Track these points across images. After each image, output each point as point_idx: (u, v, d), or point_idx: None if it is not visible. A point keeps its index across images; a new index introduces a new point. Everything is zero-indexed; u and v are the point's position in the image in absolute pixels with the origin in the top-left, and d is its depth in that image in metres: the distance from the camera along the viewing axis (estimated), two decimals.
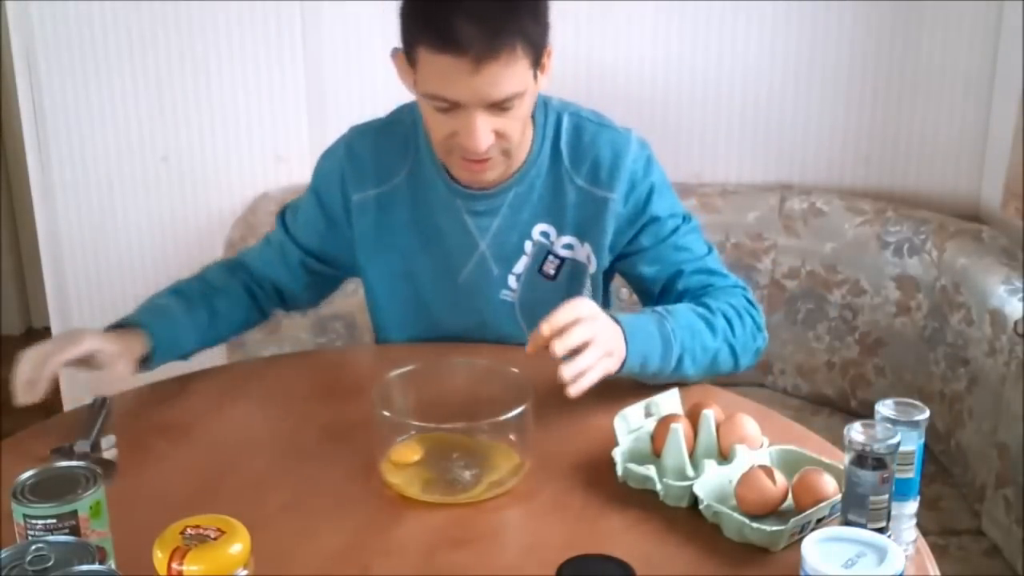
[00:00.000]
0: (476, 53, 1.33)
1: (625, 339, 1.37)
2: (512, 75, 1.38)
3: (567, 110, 1.57)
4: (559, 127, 1.56)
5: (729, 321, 1.49)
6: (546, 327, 1.28)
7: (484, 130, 1.40)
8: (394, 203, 1.58)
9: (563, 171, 1.55)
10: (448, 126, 1.42)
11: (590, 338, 1.30)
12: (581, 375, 1.28)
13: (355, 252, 1.62)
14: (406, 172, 1.58)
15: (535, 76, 1.44)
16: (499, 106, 1.39)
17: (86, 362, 1.41)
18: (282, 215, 1.70)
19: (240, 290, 1.65)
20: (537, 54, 1.42)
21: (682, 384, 1.43)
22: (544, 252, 1.58)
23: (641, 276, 1.58)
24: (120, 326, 1.49)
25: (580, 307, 1.32)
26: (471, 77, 1.35)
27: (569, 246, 1.57)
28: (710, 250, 1.59)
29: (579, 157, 1.55)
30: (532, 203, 1.56)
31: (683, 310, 1.47)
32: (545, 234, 1.57)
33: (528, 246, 1.57)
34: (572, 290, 1.58)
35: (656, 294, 1.57)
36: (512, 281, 1.59)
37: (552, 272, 1.58)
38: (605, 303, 1.65)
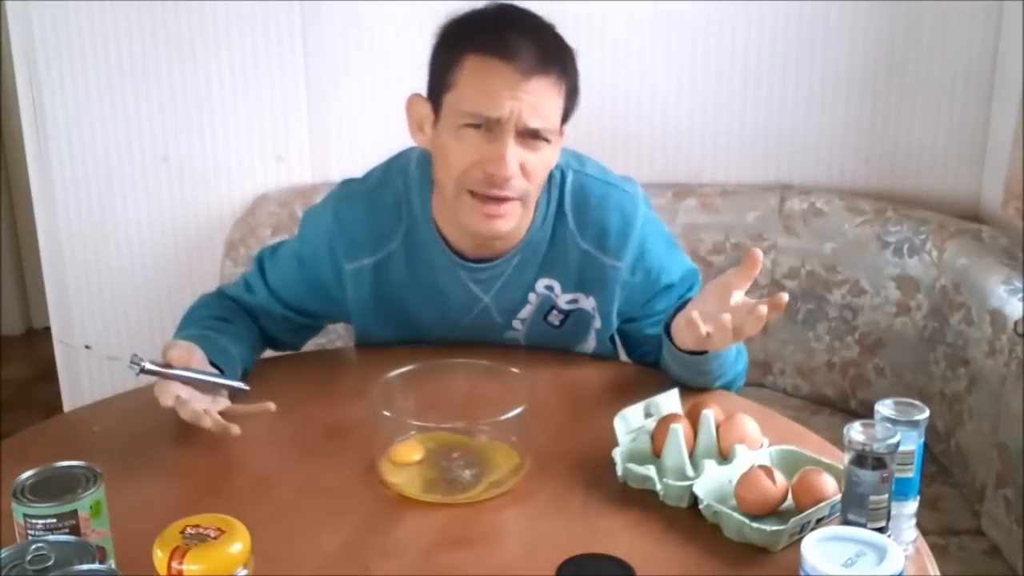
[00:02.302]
0: (528, 62, 1.35)
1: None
2: (551, 102, 1.38)
3: (570, 167, 1.53)
4: (563, 188, 1.52)
5: (739, 354, 1.53)
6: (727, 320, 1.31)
7: (513, 155, 1.38)
8: (392, 267, 1.55)
9: (568, 234, 1.52)
10: (476, 151, 1.38)
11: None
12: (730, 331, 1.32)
13: (347, 311, 1.60)
14: (401, 236, 1.54)
15: (560, 131, 1.43)
16: (531, 136, 1.38)
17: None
18: (260, 262, 1.64)
19: (246, 318, 1.61)
20: (568, 108, 1.42)
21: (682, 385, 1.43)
22: (548, 304, 1.56)
23: (652, 336, 1.56)
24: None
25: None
26: (517, 88, 1.35)
27: (573, 300, 1.56)
28: None
29: (585, 221, 1.52)
30: (536, 263, 1.53)
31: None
32: (549, 287, 1.55)
33: (532, 297, 1.55)
34: (578, 336, 1.59)
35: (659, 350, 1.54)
36: (517, 324, 1.58)
37: (556, 323, 1.58)
38: (613, 348, 1.66)
